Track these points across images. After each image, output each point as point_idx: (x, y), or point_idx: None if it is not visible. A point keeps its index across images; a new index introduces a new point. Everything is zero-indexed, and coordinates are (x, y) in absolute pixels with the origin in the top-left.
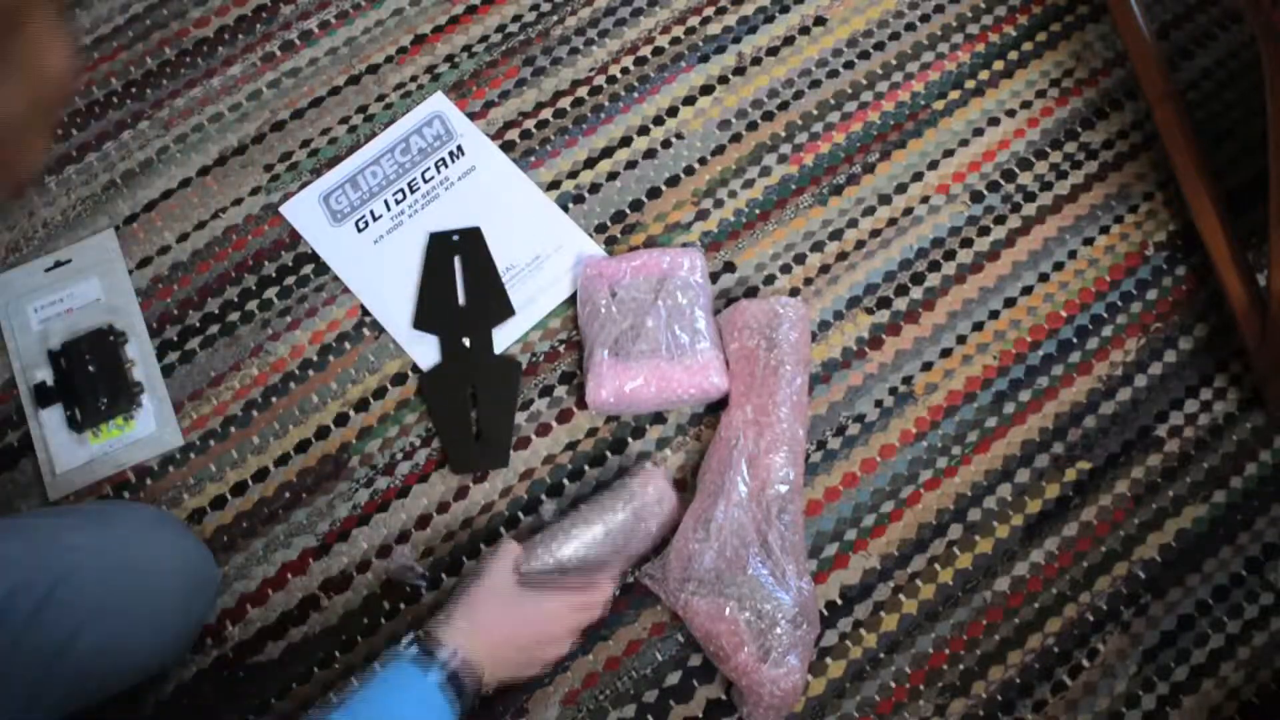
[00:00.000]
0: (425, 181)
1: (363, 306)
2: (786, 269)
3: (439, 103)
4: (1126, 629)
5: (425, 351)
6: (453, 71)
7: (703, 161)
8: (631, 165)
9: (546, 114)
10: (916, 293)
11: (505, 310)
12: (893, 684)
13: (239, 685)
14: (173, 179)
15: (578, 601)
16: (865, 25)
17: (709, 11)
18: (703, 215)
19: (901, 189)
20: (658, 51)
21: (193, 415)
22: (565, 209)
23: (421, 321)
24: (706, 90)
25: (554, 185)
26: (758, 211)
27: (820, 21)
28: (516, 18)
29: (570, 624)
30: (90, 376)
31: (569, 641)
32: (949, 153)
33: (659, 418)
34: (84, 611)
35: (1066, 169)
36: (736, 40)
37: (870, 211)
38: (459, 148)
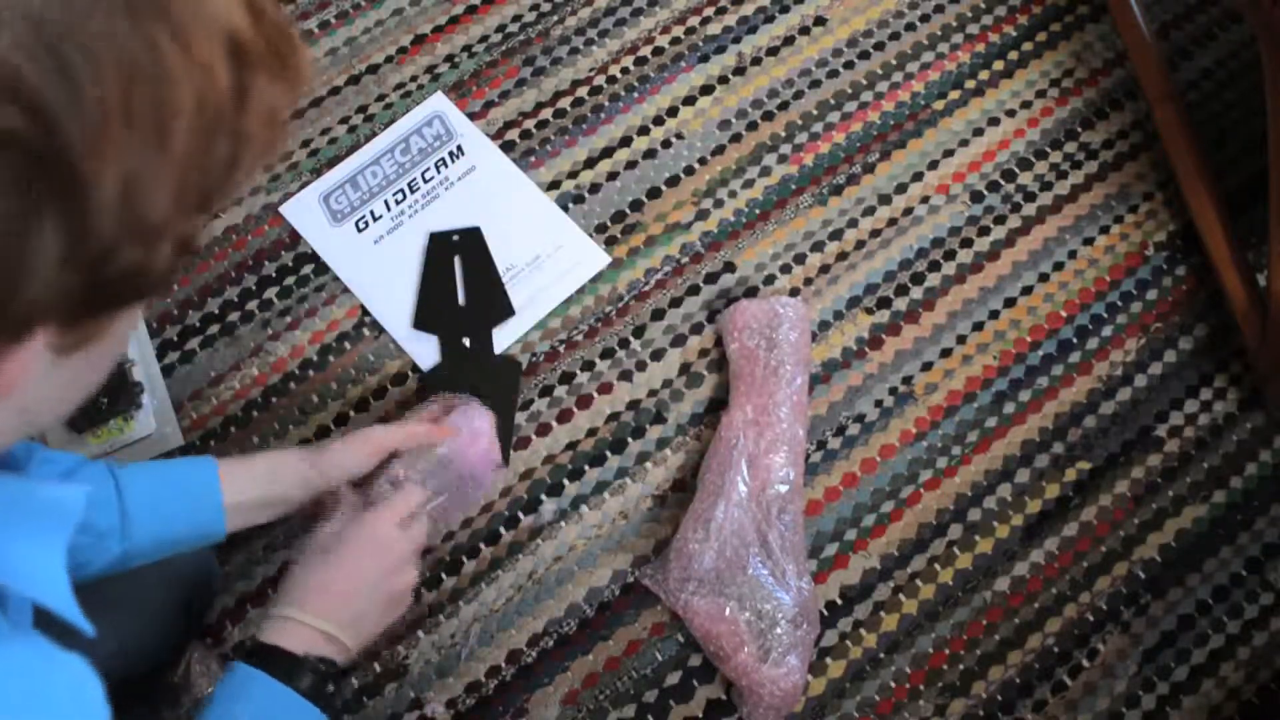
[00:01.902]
0: (425, 181)
1: (363, 307)
2: (786, 269)
3: (439, 103)
4: (1126, 629)
5: (425, 351)
6: (453, 71)
7: (703, 161)
8: (631, 165)
9: (546, 114)
10: (916, 293)
11: (505, 310)
12: (893, 684)
13: None
14: None
15: (396, 514)
16: (865, 25)
17: (709, 11)
18: (703, 215)
19: (901, 189)
20: (658, 51)
21: (193, 415)
22: (565, 209)
23: (421, 321)
24: (706, 90)
25: (554, 185)
26: (758, 211)
27: (820, 21)
28: (516, 18)
29: (403, 543)
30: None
31: (414, 564)
32: (949, 153)
33: (659, 417)
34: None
35: (1066, 169)
36: (736, 40)
37: (870, 211)
38: (459, 148)
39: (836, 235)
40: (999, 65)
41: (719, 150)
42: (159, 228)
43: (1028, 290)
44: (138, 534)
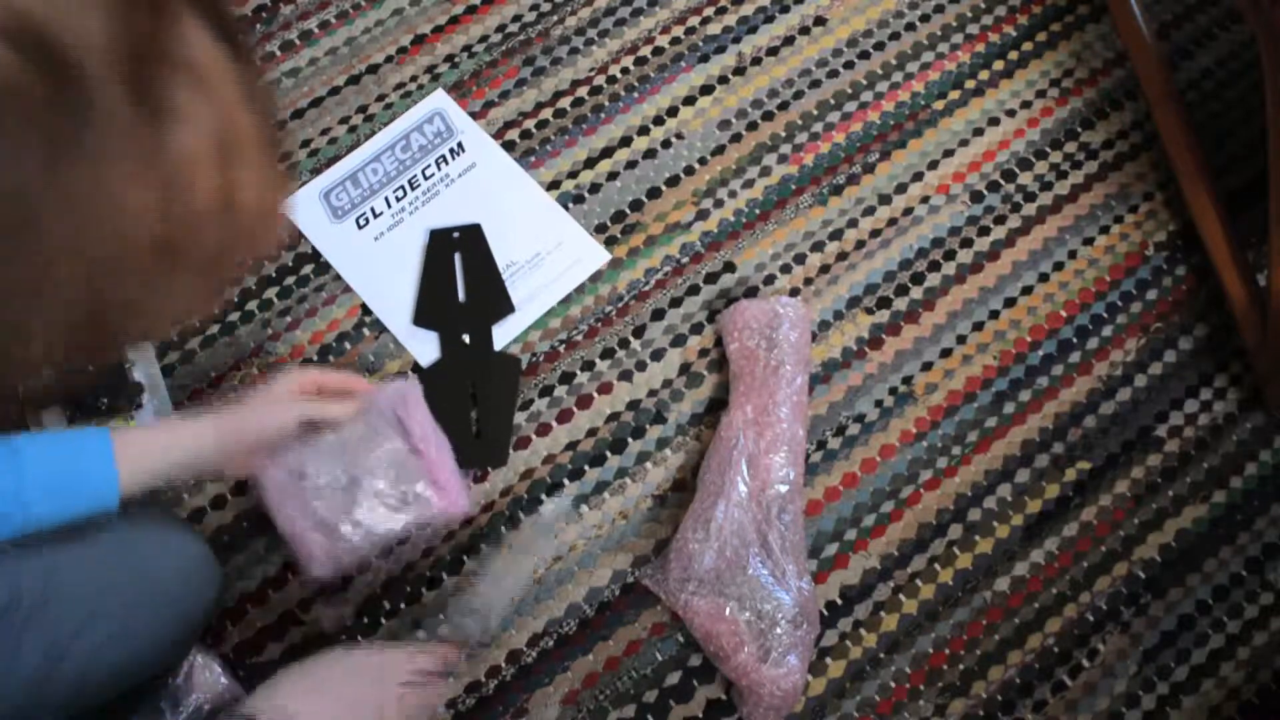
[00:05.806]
0: (426, 178)
1: (363, 306)
2: (786, 269)
3: (440, 100)
4: (1126, 629)
5: (425, 348)
6: (453, 71)
7: (703, 161)
8: (631, 165)
9: (546, 114)
10: (916, 293)
11: (505, 307)
12: (893, 684)
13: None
14: None
15: (420, 661)
16: (865, 25)
17: (709, 11)
18: (703, 215)
19: (901, 189)
20: (658, 51)
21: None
22: (565, 209)
23: (422, 318)
24: (706, 90)
25: (554, 185)
26: (758, 211)
27: (820, 21)
28: (516, 18)
29: (405, 680)
30: (90, 377)
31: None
32: (949, 153)
33: (659, 417)
34: (85, 610)
35: (1066, 169)
36: (736, 40)
37: (870, 211)
38: (459, 144)
39: (836, 235)
40: (999, 65)
41: (719, 150)
42: None
43: (1028, 290)
44: (35, 503)
